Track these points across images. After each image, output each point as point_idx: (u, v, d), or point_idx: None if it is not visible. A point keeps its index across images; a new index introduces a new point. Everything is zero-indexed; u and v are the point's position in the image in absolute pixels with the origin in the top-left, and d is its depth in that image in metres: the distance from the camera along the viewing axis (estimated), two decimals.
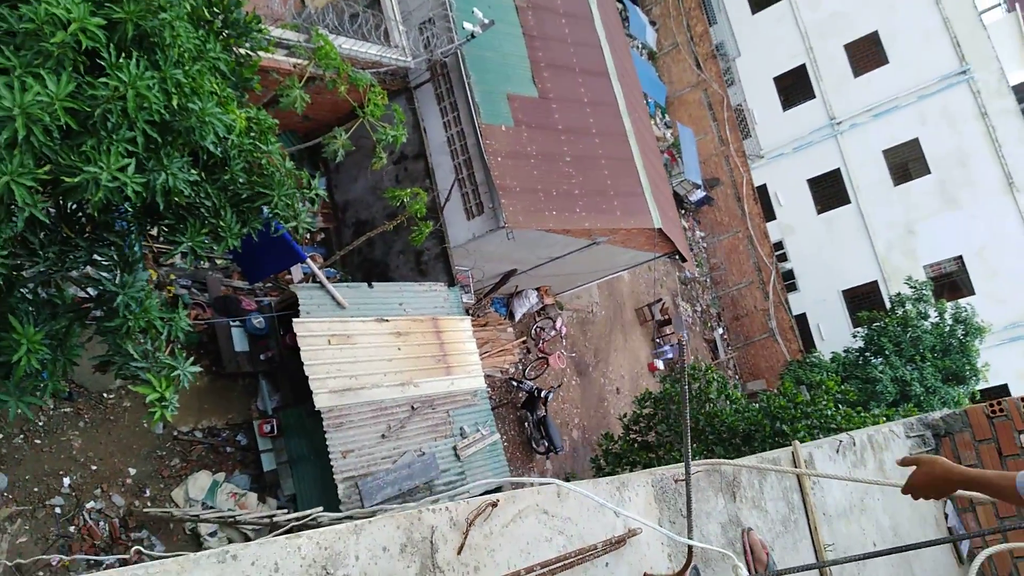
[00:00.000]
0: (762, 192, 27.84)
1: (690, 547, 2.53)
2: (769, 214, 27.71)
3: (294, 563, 1.71)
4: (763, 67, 28.82)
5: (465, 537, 2.07)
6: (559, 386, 16.71)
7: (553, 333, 17.33)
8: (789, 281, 27.42)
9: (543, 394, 15.45)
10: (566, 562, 2.22)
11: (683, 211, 25.44)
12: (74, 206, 6.08)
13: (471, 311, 14.53)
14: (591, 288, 19.14)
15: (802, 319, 27.04)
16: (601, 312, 19.62)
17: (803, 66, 28.10)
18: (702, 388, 12.25)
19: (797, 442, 3.35)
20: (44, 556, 8.30)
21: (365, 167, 13.00)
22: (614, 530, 2.51)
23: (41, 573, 8.20)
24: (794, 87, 28.35)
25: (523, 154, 12.51)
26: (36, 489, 8.35)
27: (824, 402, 10.99)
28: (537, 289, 16.91)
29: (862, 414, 11.29)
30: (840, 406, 11.41)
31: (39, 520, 8.32)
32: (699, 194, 25.80)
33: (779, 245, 27.74)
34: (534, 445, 15.61)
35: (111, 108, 4.50)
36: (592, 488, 2.42)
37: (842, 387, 12.87)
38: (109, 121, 4.58)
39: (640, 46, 27.22)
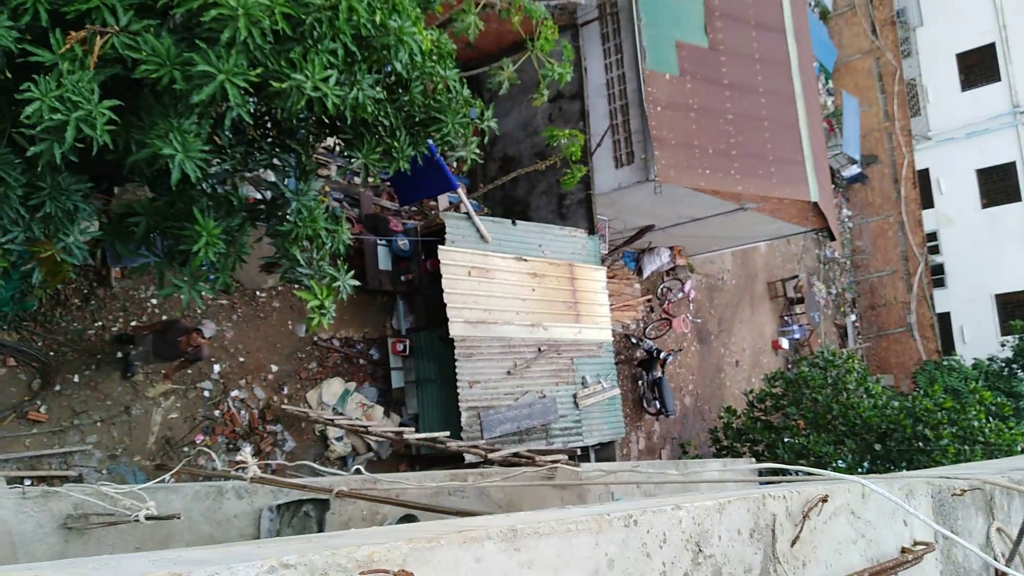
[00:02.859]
0: (923, 177, 25.85)
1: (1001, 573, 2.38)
2: (927, 201, 25.75)
3: (676, 536, 1.79)
4: (946, 41, 26.37)
5: (800, 530, 2.07)
6: (679, 350, 16.38)
7: (680, 295, 16.92)
8: (937, 276, 25.58)
9: (662, 356, 15.18)
10: (881, 573, 2.15)
11: (833, 186, 24.03)
12: (263, 110, 6.26)
13: (603, 261, 14.34)
14: (725, 254, 18.50)
15: (944, 318, 25.26)
16: (731, 281, 18.97)
17: (992, 45, 25.52)
18: (840, 376, 11.67)
19: None
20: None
21: (520, 102, 12.86)
22: (902, 539, 2.40)
23: (186, 448, 8.86)
24: (978, 67, 25.85)
25: (684, 106, 12.01)
26: (189, 371, 8.96)
27: (974, 412, 10.22)
28: (670, 248, 16.48)
29: (1013, 430, 10.45)
30: (991, 419, 10.60)
31: (189, 400, 8.94)
32: (853, 170, 24.25)
33: (932, 236, 25.82)
34: (645, 405, 15.45)
35: (321, 17, 4.53)
36: (889, 491, 2.29)
37: (997, 400, 11.90)
38: (316, 31, 4.62)
39: (813, 3, 25.47)
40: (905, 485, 2.44)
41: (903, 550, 2.36)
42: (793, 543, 2.10)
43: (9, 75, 4.21)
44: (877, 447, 10.72)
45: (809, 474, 2.64)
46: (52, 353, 7.94)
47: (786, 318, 20.52)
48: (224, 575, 1.24)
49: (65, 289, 8.11)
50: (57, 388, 7.93)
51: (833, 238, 15.20)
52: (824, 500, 2.13)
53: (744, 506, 1.99)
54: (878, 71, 26.20)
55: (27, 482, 7.49)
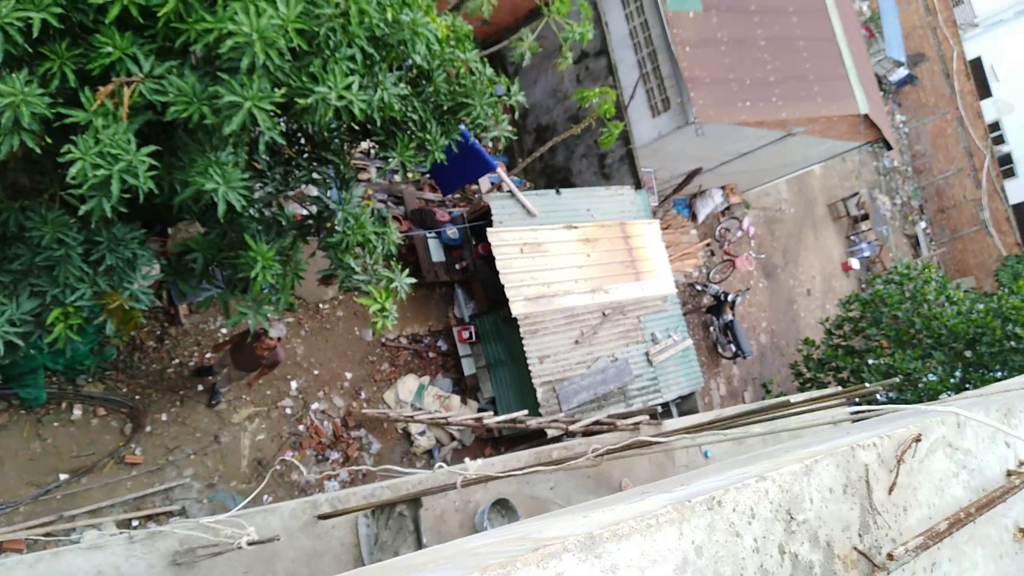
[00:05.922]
0: (975, 67, 24.51)
1: None
2: (984, 91, 24.44)
3: (765, 508, 1.74)
4: None
5: (896, 475, 1.99)
6: (746, 290, 16.05)
7: (739, 234, 16.54)
8: (1006, 166, 24.35)
9: (730, 298, 14.90)
10: (983, 505, 2.05)
11: (882, 93, 23.02)
12: (294, 127, 6.29)
13: (654, 213, 14.09)
14: (779, 184, 17.97)
15: (1020, 209, 24.06)
16: (790, 209, 18.44)
17: None
18: (917, 288, 11.24)
19: None
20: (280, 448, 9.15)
21: (544, 69, 12.65)
22: (1006, 462, 2.30)
23: (278, 467, 9.10)
24: None
25: (713, 41, 11.62)
26: (269, 392, 9.18)
27: None
28: (722, 188, 16.09)
29: None
30: None
31: (273, 420, 9.17)
32: (901, 73, 23.20)
33: (995, 126, 24.53)
34: (720, 350, 15.22)
35: (334, 26, 4.49)
36: (985, 415, 2.19)
37: None
38: (331, 40, 4.59)
39: None
40: (1003, 404, 2.32)
41: (1009, 473, 2.24)
42: (890, 490, 2.03)
43: (49, 140, 4.30)
44: (968, 354, 10.31)
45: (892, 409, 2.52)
46: (138, 396, 8.22)
47: (853, 237, 19.88)
48: None
49: (139, 334, 8.37)
50: (148, 429, 8.21)
51: (890, 147, 14.60)
52: (917, 440, 2.04)
53: (833, 462, 1.91)
54: None
55: (134, 523, 7.81)
